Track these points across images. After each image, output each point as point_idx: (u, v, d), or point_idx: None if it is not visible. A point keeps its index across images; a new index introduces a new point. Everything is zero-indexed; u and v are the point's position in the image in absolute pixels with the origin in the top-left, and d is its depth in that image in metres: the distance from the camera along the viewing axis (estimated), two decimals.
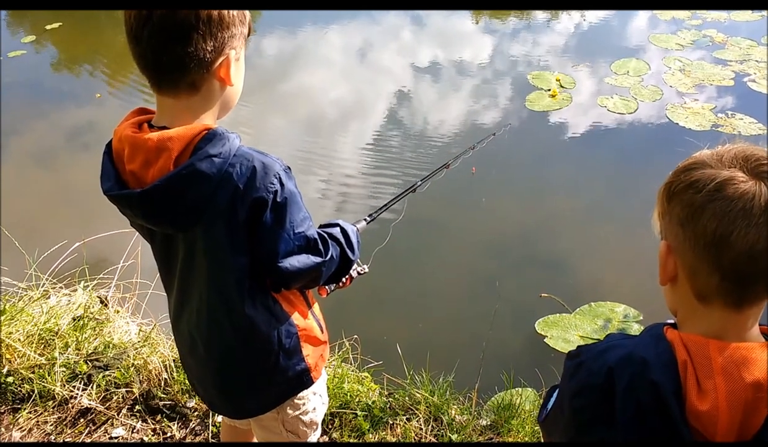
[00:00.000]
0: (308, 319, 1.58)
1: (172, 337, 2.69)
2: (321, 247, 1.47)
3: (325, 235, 1.52)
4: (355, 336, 2.98)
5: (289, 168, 1.38)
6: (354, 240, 1.62)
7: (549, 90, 5.95)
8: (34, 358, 2.64)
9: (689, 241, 0.98)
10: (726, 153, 0.99)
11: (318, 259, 1.46)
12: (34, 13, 7.96)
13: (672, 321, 1.07)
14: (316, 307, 1.65)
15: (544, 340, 3.58)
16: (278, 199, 1.33)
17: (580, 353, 1.07)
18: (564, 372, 1.09)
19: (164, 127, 1.31)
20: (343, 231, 1.60)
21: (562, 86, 6.02)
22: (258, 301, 1.46)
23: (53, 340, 2.74)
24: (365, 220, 1.97)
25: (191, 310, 1.50)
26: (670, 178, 1.04)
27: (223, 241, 1.36)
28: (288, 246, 1.39)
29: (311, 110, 6.04)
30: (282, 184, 1.34)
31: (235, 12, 1.30)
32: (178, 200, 1.29)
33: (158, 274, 1.59)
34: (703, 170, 0.98)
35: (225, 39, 1.29)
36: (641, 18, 7.43)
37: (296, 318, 1.54)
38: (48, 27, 7.24)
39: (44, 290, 3.03)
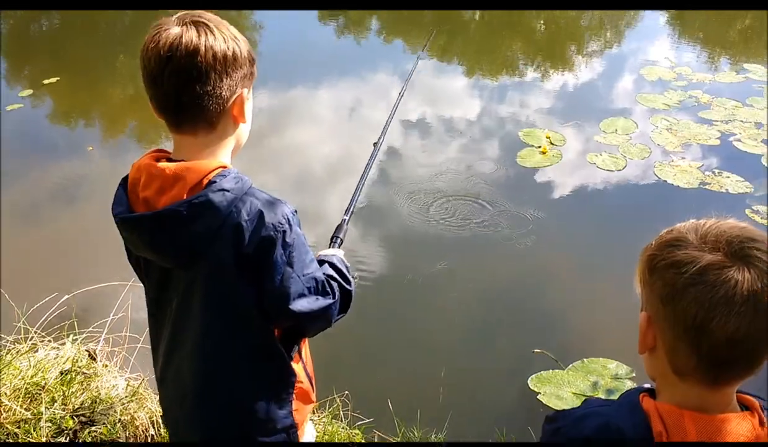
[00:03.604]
0: (302, 377, 1.57)
1: None
2: (329, 288, 1.47)
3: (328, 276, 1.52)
4: (346, 392, 2.95)
5: (295, 211, 1.40)
6: (345, 271, 1.61)
7: (539, 147, 6.04)
8: (20, 412, 2.59)
9: (668, 321, 0.98)
10: (709, 232, 0.99)
11: (329, 300, 1.47)
12: (32, 68, 8.09)
13: (648, 385, 1.09)
14: (309, 365, 1.64)
15: (538, 396, 3.55)
16: (287, 240, 1.35)
17: (557, 418, 1.08)
18: (542, 435, 1.10)
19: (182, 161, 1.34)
20: (333, 266, 1.60)
21: (552, 143, 6.11)
22: (258, 350, 1.45)
23: (40, 394, 2.69)
24: (336, 242, 1.85)
25: (182, 357, 1.47)
26: (653, 251, 1.03)
27: (225, 280, 1.35)
28: (298, 287, 1.39)
29: (300, 167, 6.06)
30: (290, 225, 1.35)
31: (245, 52, 1.36)
32: (187, 227, 1.29)
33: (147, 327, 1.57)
34: (686, 250, 0.98)
35: (238, 78, 1.35)
36: (627, 79, 7.63)
37: (296, 370, 1.53)
38: (46, 81, 7.33)
39: (32, 343, 3.00)
